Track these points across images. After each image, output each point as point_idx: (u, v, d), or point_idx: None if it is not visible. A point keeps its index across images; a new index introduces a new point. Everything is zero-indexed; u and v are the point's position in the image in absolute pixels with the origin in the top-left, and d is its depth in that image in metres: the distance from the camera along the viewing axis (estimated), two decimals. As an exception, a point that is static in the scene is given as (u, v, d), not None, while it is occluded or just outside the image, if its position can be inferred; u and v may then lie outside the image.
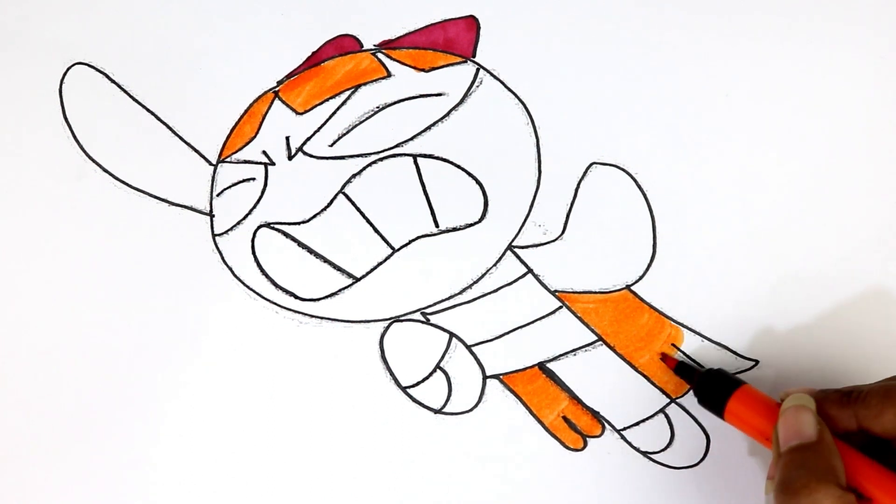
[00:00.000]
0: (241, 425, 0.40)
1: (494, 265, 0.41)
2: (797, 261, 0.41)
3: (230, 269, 0.42)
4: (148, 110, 0.43)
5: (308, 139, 0.43)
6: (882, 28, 0.43)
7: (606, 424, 0.40)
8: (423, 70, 0.43)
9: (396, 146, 0.42)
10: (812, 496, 0.31)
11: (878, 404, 0.33)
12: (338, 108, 0.43)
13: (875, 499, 0.32)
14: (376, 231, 0.42)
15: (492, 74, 0.43)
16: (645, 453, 0.40)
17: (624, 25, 0.44)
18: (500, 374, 0.41)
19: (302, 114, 0.43)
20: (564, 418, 0.40)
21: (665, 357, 0.40)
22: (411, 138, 0.42)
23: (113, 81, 0.44)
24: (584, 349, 0.41)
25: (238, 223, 0.42)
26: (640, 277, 0.41)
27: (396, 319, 0.41)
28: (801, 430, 0.33)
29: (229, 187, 0.42)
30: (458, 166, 0.42)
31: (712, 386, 0.37)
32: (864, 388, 0.34)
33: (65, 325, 0.41)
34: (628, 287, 0.41)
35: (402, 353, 0.41)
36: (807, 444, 0.33)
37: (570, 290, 0.41)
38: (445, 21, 0.44)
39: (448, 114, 0.43)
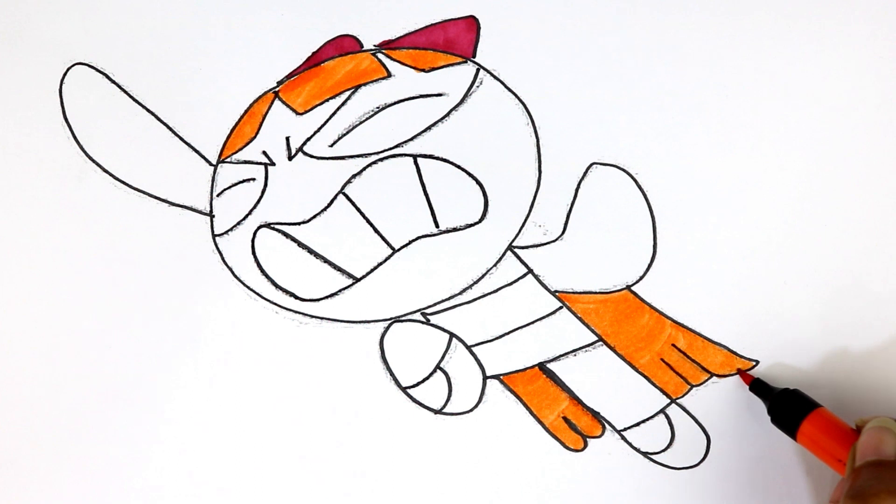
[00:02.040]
0: (242, 425, 0.40)
1: (494, 265, 0.41)
2: (797, 261, 0.41)
3: (230, 269, 0.42)
4: (148, 110, 0.43)
5: (308, 139, 0.43)
6: (883, 29, 0.43)
7: (606, 425, 0.40)
8: (423, 70, 0.43)
9: (396, 146, 0.42)
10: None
11: None
12: (338, 109, 0.43)
13: None
14: (376, 231, 0.42)
15: (492, 74, 0.43)
16: (645, 454, 0.40)
17: (624, 25, 0.44)
18: (501, 375, 0.41)
19: (302, 114, 0.43)
20: (564, 419, 0.40)
21: (741, 373, 0.40)
22: (411, 138, 0.42)
23: (113, 81, 0.44)
24: (584, 349, 0.41)
25: (238, 223, 0.42)
26: (641, 277, 0.41)
27: (396, 320, 0.41)
28: (880, 447, 0.34)
29: (229, 187, 0.42)
30: (458, 166, 0.42)
31: (787, 406, 0.38)
32: None
33: (65, 325, 0.41)
34: (628, 287, 0.41)
35: (402, 354, 0.41)
36: (884, 461, 0.34)
37: (571, 291, 0.41)
38: (445, 21, 0.44)
39: (448, 114, 0.43)
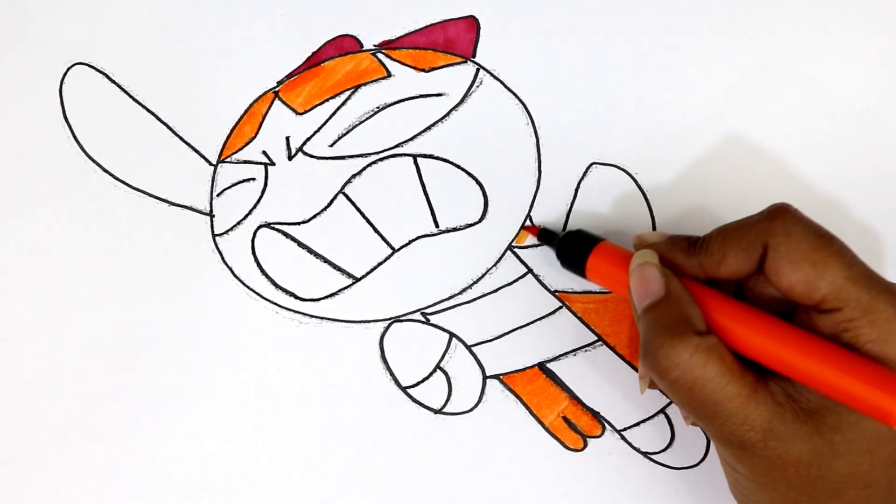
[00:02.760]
0: (242, 425, 0.40)
1: (494, 265, 0.41)
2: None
3: (230, 269, 0.42)
4: (148, 110, 0.43)
5: (308, 139, 0.43)
6: (883, 30, 0.43)
7: (606, 425, 0.40)
8: (423, 70, 0.43)
9: (396, 146, 0.42)
10: (670, 353, 0.31)
11: (718, 250, 0.33)
12: (338, 109, 0.43)
13: (735, 332, 0.32)
14: (376, 231, 0.42)
15: (492, 74, 0.43)
16: (645, 454, 0.40)
17: (624, 25, 0.44)
18: (500, 374, 0.41)
19: (302, 114, 0.43)
20: (564, 418, 0.40)
21: (527, 228, 0.40)
22: (411, 138, 0.43)
23: (113, 81, 0.44)
24: (584, 349, 0.41)
25: (238, 223, 0.42)
26: (640, 277, 0.41)
27: (396, 319, 0.41)
28: (648, 287, 0.33)
29: (229, 187, 0.42)
30: (458, 166, 0.42)
31: (572, 246, 0.38)
32: (706, 236, 0.34)
33: (65, 325, 0.41)
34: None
35: (402, 353, 0.41)
36: (657, 301, 0.33)
37: (570, 291, 0.41)
38: (445, 21, 0.44)
39: (448, 114, 0.43)
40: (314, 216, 0.42)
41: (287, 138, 0.43)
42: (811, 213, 0.42)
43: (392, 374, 0.41)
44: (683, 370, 0.30)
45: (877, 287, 0.30)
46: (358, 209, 0.42)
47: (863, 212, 0.42)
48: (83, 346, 0.41)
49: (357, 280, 0.41)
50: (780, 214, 0.32)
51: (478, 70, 0.43)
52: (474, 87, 0.43)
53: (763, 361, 0.31)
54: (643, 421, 0.40)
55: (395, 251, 0.42)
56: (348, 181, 0.42)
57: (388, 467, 0.40)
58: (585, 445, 0.40)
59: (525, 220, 0.42)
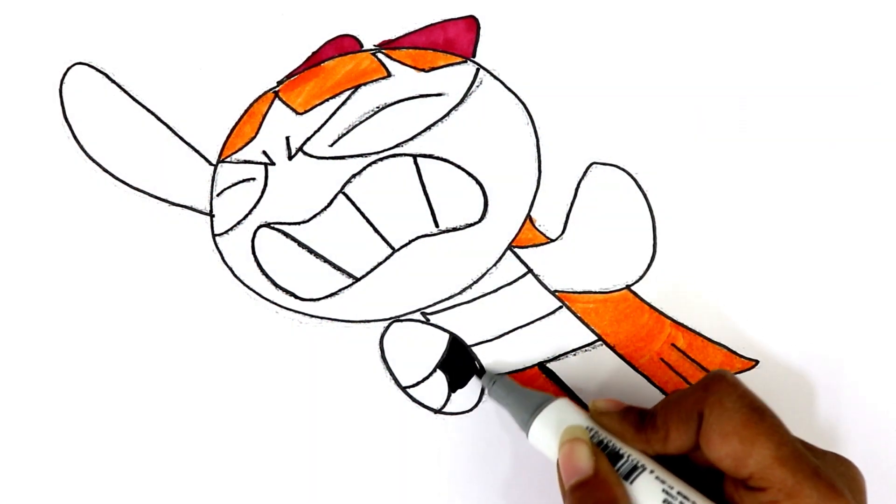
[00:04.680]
0: (241, 425, 0.40)
1: (494, 265, 0.41)
2: (797, 261, 0.41)
3: (230, 269, 0.42)
4: (148, 110, 0.43)
5: (308, 139, 0.43)
6: (884, 31, 0.44)
7: (606, 424, 0.40)
8: (423, 70, 0.43)
9: (396, 146, 0.42)
10: None
11: (662, 426, 0.33)
12: (338, 108, 0.43)
13: None
14: (376, 231, 0.42)
15: (492, 74, 0.43)
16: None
17: (624, 25, 0.44)
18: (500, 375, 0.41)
19: (302, 114, 0.43)
20: (564, 418, 0.40)
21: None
22: (411, 138, 0.42)
23: (113, 81, 0.44)
24: (584, 349, 0.41)
25: (238, 223, 0.42)
26: (640, 277, 0.41)
27: (396, 319, 0.41)
28: (577, 465, 0.33)
29: (229, 187, 0.42)
30: (458, 166, 0.42)
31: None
32: (653, 410, 0.34)
33: (64, 325, 0.41)
34: (628, 287, 0.41)
35: (402, 353, 0.41)
36: (584, 481, 0.32)
37: (570, 290, 0.41)
38: (445, 21, 0.44)
39: (448, 114, 0.43)
40: (314, 216, 0.42)
41: (287, 138, 0.43)
42: (811, 212, 0.42)
43: (392, 374, 0.41)
44: None
45: (803, 470, 0.30)
46: (358, 209, 0.42)
47: (863, 211, 0.42)
48: (83, 346, 0.41)
49: (357, 280, 0.41)
50: (715, 383, 0.32)
51: (478, 70, 0.43)
52: (474, 87, 0.43)
53: None
54: (643, 421, 0.40)
55: (395, 251, 0.42)
56: (348, 181, 0.42)
57: (389, 467, 0.40)
58: (585, 445, 0.40)
59: (525, 220, 0.42)
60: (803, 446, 0.31)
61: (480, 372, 0.40)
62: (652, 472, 0.32)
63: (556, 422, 0.35)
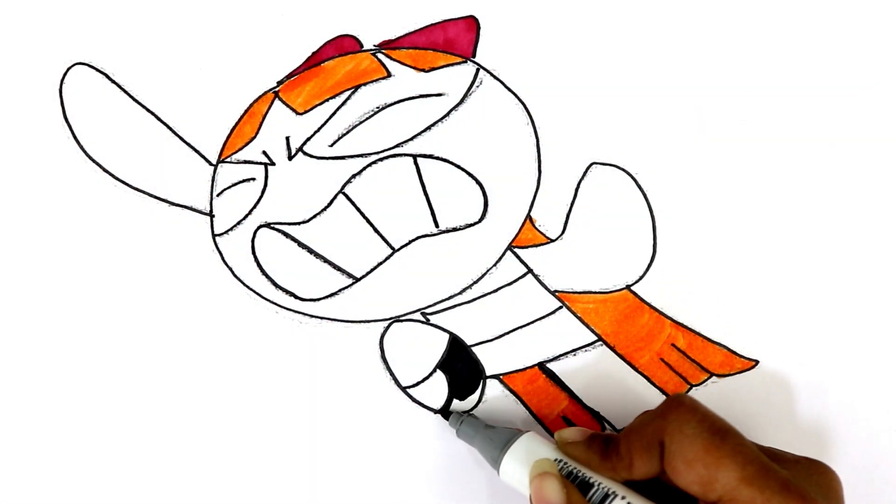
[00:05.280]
0: (242, 425, 0.40)
1: (494, 265, 0.41)
2: (797, 261, 0.41)
3: (230, 269, 0.42)
4: (148, 110, 0.43)
5: (308, 139, 0.43)
6: (884, 31, 0.44)
7: (606, 424, 0.40)
8: (423, 70, 0.43)
9: (396, 146, 0.42)
10: None
11: (626, 454, 0.33)
12: (338, 109, 0.43)
13: None
14: (376, 231, 0.42)
15: (492, 74, 0.43)
16: (645, 453, 0.40)
17: (624, 25, 0.44)
18: (500, 375, 0.41)
19: (302, 114, 0.43)
20: (564, 418, 0.40)
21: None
22: (411, 138, 0.42)
23: (113, 81, 0.44)
24: (584, 349, 0.41)
25: (238, 223, 0.42)
26: (640, 277, 0.41)
27: (396, 319, 0.41)
28: (547, 499, 0.33)
29: (229, 187, 0.42)
30: (458, 166, 0.42)
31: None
32: (617, 437, 0.34)
33: (64, 325, 0.41)
34: (628, 287, 0.41)
35: (402, 353, 0.41)
36: None
37: (570, 291, 0.41)
38: (445, 21, 0.44)
39: (448, 114, 0.43)
40: (314, 216, 0.42)
41: (287, 138, 0.43)
42: (812, 212, 0.42)
43: (392, 374, 0.41)
44: None
45: (771, 486, 0.30)
46: (358, 209, 0.42)
47: (863, 211, 0.42)
48: (83, 346, 0.41)
49: (357, 280, 0.41)
50: (673, 409, 0.32)
51: (478, 70, 0.43)
52: (474, 87, 0.43)
53: None
54: (643, 421, 0.40)
55: (395, 251, 0.42)
56: (348, 181, 0.42)
57: (388, 467, 0.40)
58: (585, 445, 0.40)
59: (525, 220, 0.42)
60: (773, 457, 0.31)
61: (447, 413, 0.40)
62: (623, 498, 0.32)
63: (524, 457, 0.35)
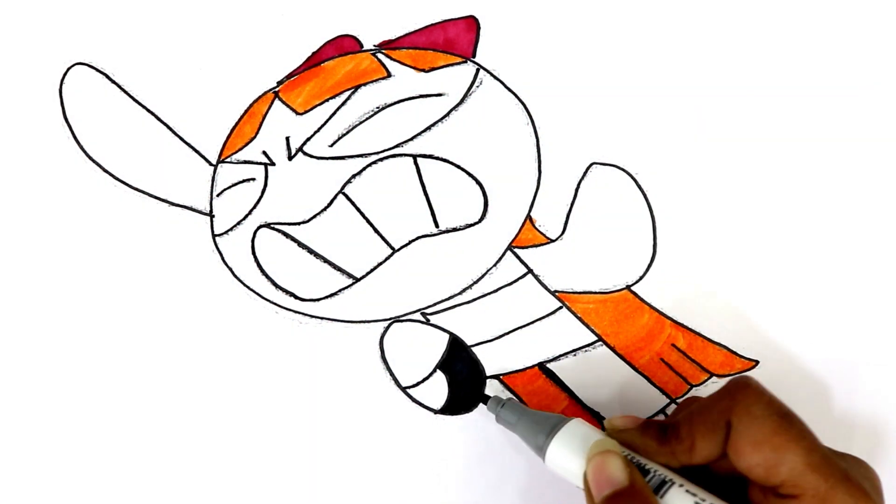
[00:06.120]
0: (242, 425, 0.40)
1: (494, 265, 0.41)
2: (797, 261, 0.41)
3: (230, 269, 0.42)
4: (148, 110, 0.43)
5: (308, 139, 0.43)
6: (884, 31, 0.44)
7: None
8: (423, 70, 0.43)
9: (396, 146, 0.42)
10: None
11: (687, 436, 0.32)
12: (338, 109, 0.43)
13: None
14: (376, 231, 0.42)
15: (492, 74, 0.43)
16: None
17: (624, 25, 0.44)
18: (500, 375, 0.41)
19: (302, 114, 0.43)
20: (564, 418, 0.40)
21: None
22: (411, 138, 0.42)
23: (113, 81, 0.44)
24: (584, 349, 0.41)
25: (238, 223, 0.42)
26: (640, 277, 0.41)
27: (396, 319, 0.41)
28: (611, 477, 0.32)
29: (229, 187, 0.42)
30: (458, 166, 0.42)
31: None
32: (676, 421, 0.33)
33: (64, 325, 0.41)
34: (628, 287, 0.41)
35: (402, 353, 0.41)
36: (620, 492, 0.32)
37: (570, 291, 0.41)
38: (445, 21, 0.44)
39: (448, 114, 0.43)
40: (314, 216, 0.42)
41: (287, 138, 0.43)
42: (812, 212, 0.42)
43: (392, 374, 0.41)
44: None
45: (835, 475, 0.30)
46: (358, 209, 0.42)
47: (863, 211, 0.42)
48: (83, 346, 0.41)
49: (357, 280, 0.41)
50: (741, 390, 0.32)
51: (478, 70, 0.43)
52: (474, 87, 0.43)
53: None
54: (643, 421, 0.40)
55: (395, 251, 0.42)
56: (348, 181, 0.42)
57: (389, 467, 0.40)
58: (585, 445, 0.40)
59: (525, 220, 0.42)
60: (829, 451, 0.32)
61: (485, 398, 0.39)
62: (681, 486, 0.32)
63: (573, 441, 0.34)
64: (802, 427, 0.31)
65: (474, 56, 0.44)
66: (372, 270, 0.41)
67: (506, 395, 0.40)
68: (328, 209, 0.42)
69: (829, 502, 0.30)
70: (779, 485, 0.30)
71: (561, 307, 0.41)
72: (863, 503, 0.30)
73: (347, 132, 0.43)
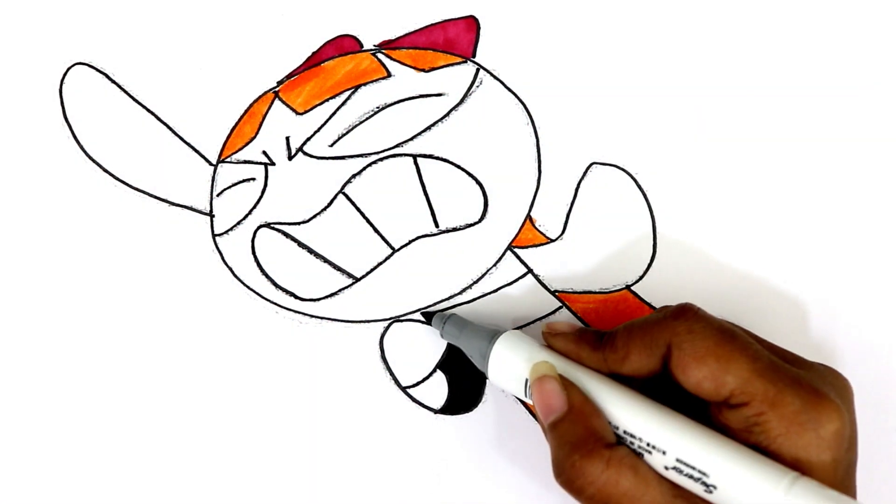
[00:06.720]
0: (241, 425, 0.40)
1: (494, 265, 0.41)
2: (797, 261, 0.41)
3: (230, 269, 0.42)
4: (148, 110, 0.43)
5: (308, 139, 0.43)
6: (884, 31, 0.44)
7: (606, 424, 0.40)
8: (423, 70, 0.43)
9: (396, 146, 0.42)
10: (581, 472, 0.30)
11: (622, 347, 0.33)
12: (338, 109, 0.43)
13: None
14: (376, 231, 0.42)
15: (492, 74, 0.43)
16: (645, 453, 0.40)
17: (624, 25, 0.44)
18: (500, 374, 0.41)
19: (302, 114, 0.43)
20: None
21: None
22: (411, 138, 0.43)
23: (113, 81, 0.44)
24: (584, 349, 0.41)
25: (238, 223, 0.42)
26: (640, 277, 0.41)
27: (396, 319, 0.41)
28: (550, 403, 0.32)
29: (229, 187, 0.42)
30: (458, 166, 0.42)
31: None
32: (612, 331, 0.34)
33: (64, 325, 0.41)
34: (628, 287, 0.41)
35: (402, 353, 0.41)
36: (561, 417, 0.32)
37: (570, 291, 0.41)
38: (445, 21, 0.44)
39: (448, 114, 0.43)
40: (314, 216, 0.42)
41: (287, 138, 0.43)
42: (810, 212, 0.42)
43: (392, 374, 0.41)
44: (598, 487, 0.30)
45: (783, 379, 0.30)
46: (358, 209, 0.42)
47: (863, 211, 0.42)
48: (83, 346, 0.41)
49: (357, 280, 0.41)
50: (683, 313, 0.32)
51: (478, 70, 0.43)
52: (474, 87, 0.43)
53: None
54: (643, 421, 0.40)
55: (395, 251, 0.42)
56: (348, 181, 0.42)
57: (388, 467, 0.40)
58: (585, 445, 0.40)
59: (525, 220, 0.42)
60: (786, 359, 0.32)
61: (429, 315, 0.39)
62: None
63: (512, 356, 0.35)
64: (747, 339, 0.31)
65: (474, 56, 0.44)
66: (372, 270, 0.41)
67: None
68: (328, 209, 0.42)
69: (778, 405, 0.29)
70: (728, 396, 0.30)
71: (561, 307, 0.41)
72: (814, 403, 0.29)
73: (347, 132, 0.43)
